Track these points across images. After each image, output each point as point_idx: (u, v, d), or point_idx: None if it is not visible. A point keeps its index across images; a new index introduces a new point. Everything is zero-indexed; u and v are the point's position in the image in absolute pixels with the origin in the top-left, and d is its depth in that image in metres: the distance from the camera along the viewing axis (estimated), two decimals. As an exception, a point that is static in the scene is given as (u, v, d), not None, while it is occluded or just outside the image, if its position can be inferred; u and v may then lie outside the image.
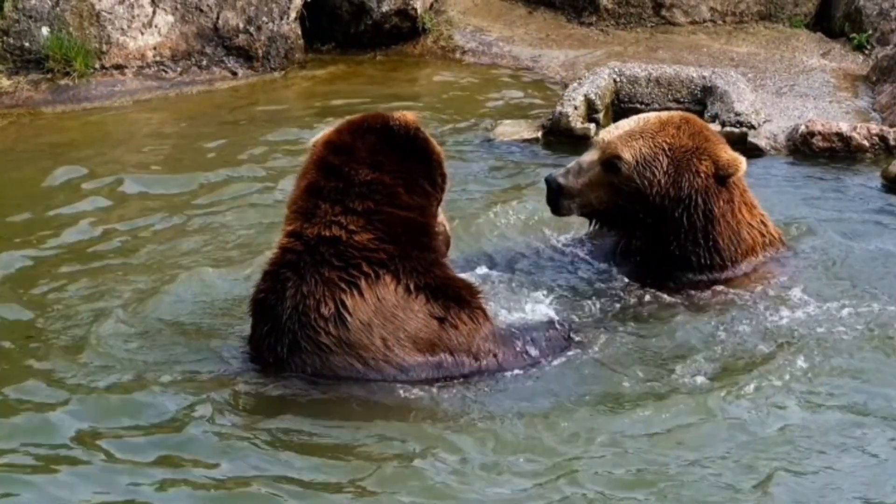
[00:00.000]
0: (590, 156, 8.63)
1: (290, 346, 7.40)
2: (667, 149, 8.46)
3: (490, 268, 8.78)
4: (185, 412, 7.32)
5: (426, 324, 7.48)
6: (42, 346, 8.12)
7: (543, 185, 8.67)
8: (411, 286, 7.44)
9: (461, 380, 7.49)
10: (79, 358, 7.94)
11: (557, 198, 8.61)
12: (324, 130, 7.79)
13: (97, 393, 7.57)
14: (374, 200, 7.45)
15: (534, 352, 7.77)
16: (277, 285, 7.43)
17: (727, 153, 8.53)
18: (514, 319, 8.04)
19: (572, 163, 8.69)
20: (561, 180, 8.58)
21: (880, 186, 10.63)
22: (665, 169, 8.44)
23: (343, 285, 7.35)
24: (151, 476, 6.78)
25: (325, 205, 7.46)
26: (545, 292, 8.44)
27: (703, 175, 8.45)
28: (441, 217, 7.77)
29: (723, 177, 8.47)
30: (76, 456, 6.99)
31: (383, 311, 7.40)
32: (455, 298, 7.55)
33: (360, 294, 7.37)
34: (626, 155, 8.47)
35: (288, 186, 10.58)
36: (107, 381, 7.69)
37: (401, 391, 7.38)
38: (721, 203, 8.51)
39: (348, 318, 7.35)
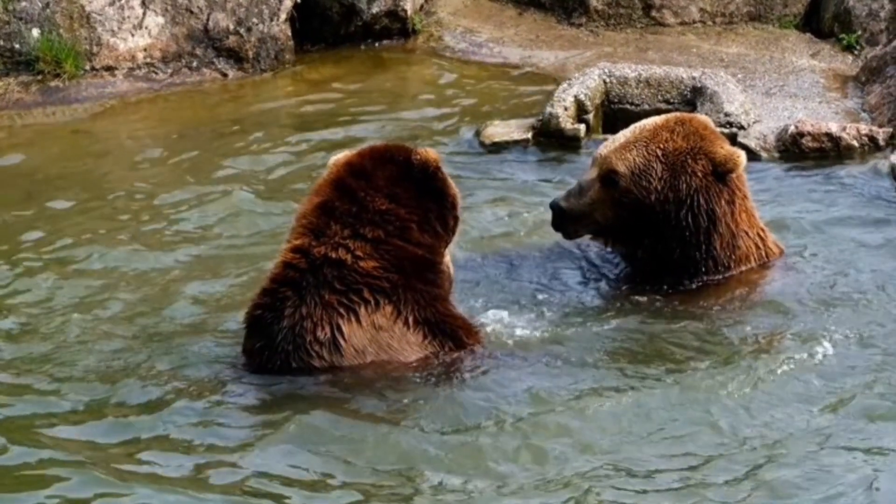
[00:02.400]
0: (589, 174, 8.65)
1: (282, 365, 7.40)
2: (660, 155, 8.45)
3: (480, 274, 8.80)
4: (173, 419, 7.33)
5: (420, 358, 7.50)
6: (28, 355, 8.11)
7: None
8: (410, 319, 7.45)
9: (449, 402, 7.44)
10: (64, 361, 7.98)
11: (563, 222, 8.63)
12: (344, 151, 7.79)
13: (82, 394, 7.61)
14: (386, 231, 7.45)
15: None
16: (276, 303, 7.41)
17: (724, 149, 8.50)
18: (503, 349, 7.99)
19: (573, 184, 8.70)
20: (563, 204, 8.58)
21: (872, 185, 10.61)
22: (660, 175, 8.42)
23: (342, 310, 7.35)
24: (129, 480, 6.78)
25: (336, 226, 7.45)
26: (532, 306, 8.43)
27: (700, 174, 8.44)
28: (447, 258, 7.76)
29: (721, 173, 8.46)
30: (61, 454, 6.99)
31: (379, 340, 7.41)
32: (452, 336, 7.57)
33: (358, 321, 7.37)
34: (622, 168, 8.47)
35: (277, 189, 10.75)
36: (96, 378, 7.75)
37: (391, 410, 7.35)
38: (722, 203, 8.49)
39: (343, 345, 7.35)
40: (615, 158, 8.51)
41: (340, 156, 7.74)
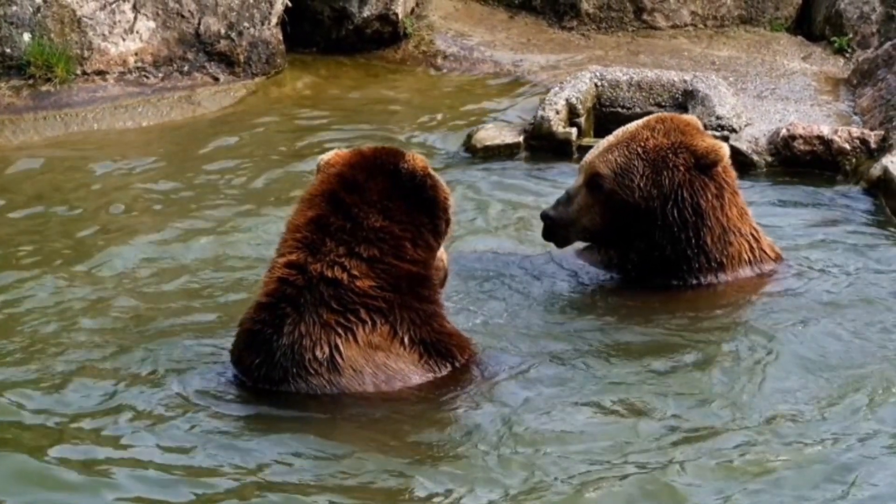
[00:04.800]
0: (575, 182, 8.73)
1: (280, 382, 7.38)
2: (641, 153, 8.51)
3: (470, 280, 8.79)
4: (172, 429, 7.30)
5: (416, 376, 7.51)
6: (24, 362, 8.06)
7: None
8: (406, 339, 7.45)
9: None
10: (58, 366, 7.96)
11: (553, 230, 8.71)
12: (334, 151, 7.70)
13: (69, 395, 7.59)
14: (381, 249, 7.41)
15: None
16: (275, 319, 7.38)
17: (705, 142, 8.53)
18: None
19: (561, 193, 8.75)
20: (552, 213, 8.67)
21: (861, 190, 10.65)
22: (643, 172, 8.48)
23: (339, 330, 7.34)
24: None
25: (331, 242, 7.39)
26: (524, 312, 8.42)
27: (682, 168, 8.47)
28: (440, 251, 7.74)
29: (704, 166, 8.48)
30: (63, 458, 6.97)
31: (375, 359, 7.40)
32: (447, 354, 7.57)
33: (355, 341, 7.36)
34: (604, 170, 8.53)
35: (267, 193, 10.76)
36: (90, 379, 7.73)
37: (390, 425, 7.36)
38: (709, 196, 8.50)
39: (340, 363, 7.34)
40: (598, 162, 8.58)
41: (330, 155, 7.65)
